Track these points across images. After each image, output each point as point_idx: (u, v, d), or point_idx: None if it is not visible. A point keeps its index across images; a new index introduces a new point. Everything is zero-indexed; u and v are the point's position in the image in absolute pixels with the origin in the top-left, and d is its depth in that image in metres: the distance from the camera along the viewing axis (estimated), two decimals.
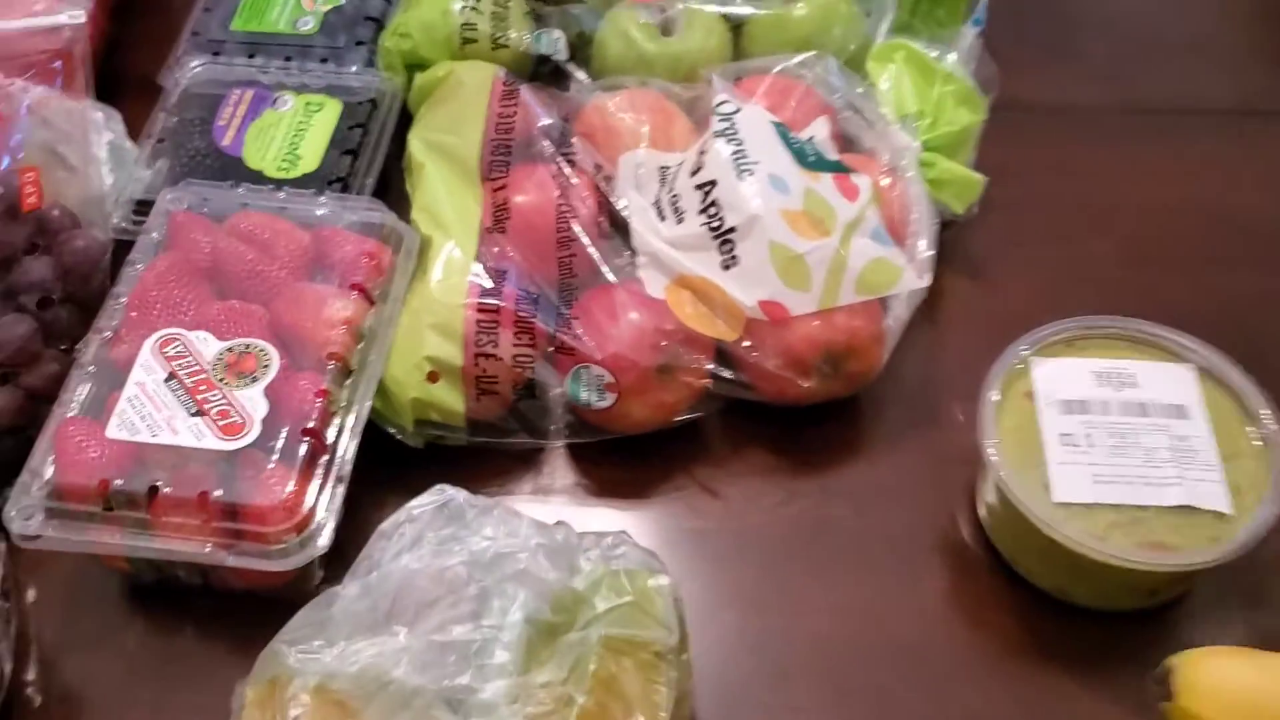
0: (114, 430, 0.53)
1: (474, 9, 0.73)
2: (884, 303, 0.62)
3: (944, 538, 0.62)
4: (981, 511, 0.61)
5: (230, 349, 0.56)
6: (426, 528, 0.52)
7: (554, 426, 0.63)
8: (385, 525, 0.52)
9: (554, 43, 0.74)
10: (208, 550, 0.52)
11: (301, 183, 0.67)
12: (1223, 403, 0.58)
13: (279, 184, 0.67)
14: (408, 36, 0.73)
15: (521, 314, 0.60)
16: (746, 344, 0.61)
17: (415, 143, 0.67)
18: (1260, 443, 0.57)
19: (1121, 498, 0.55)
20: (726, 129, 0.63)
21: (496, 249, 0.63)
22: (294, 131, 0.70)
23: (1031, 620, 0.59)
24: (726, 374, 0.61)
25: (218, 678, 0.55)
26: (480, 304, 0.60)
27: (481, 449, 0.62)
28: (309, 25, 0.77)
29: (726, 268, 0.61)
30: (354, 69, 0.74)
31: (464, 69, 0.70)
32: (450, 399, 0.60)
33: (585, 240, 0.63)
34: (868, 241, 0.61)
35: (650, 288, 0.61)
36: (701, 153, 0.64)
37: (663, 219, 0.64)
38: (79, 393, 0.56)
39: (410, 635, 0.50)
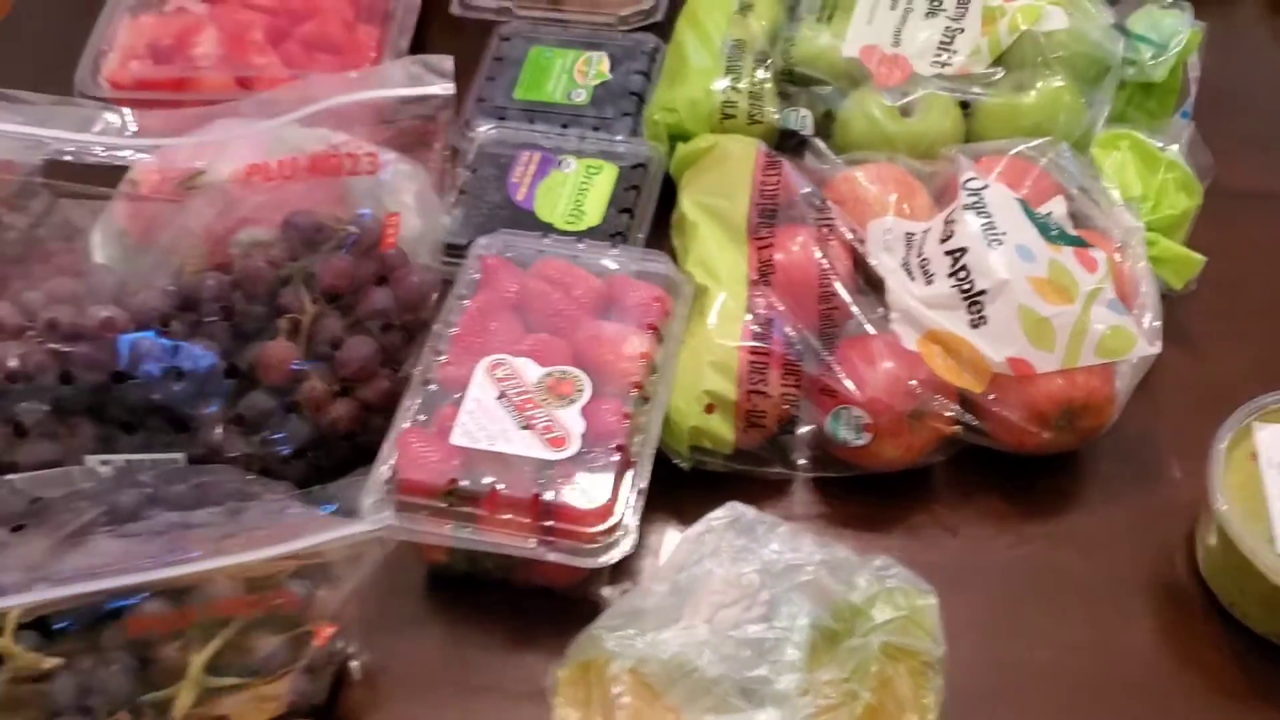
0: (457, 438, 0.62)
1: (734, 89, 0.82)
2: (1114, 366, 0.69)
3: (1163, 583, 0.68)
4: (1200, 557, 0.67)
5: (550, 374, 0.65)
6: (721, 538, 0.60)
7: (802, 460, 0.71)
8: (689, 533, 0.60)
9: (802, 120, 0.83)
10: (532, 545, 0.60)
11: (586, 235, 0.76)
12: None
13: (566, 235, 0.76)
14: (674, 111, 0.83)
15: (789, 358, 0.68)
16: (991, 396, 0.68)
17: (688, 204, 0.76)
18: None
19: None
20: (975, 202, 0.71)
21: (763, 299, 0.71)
22: (578, 190, 0.79)
23: (1247, 663, 0.65)
24: (971, 421, 0.68)
25: (515, 662, 0.64)
26: (753, 347, 0.68)
27: (736, 475, 0.70)
28: (581, 97, 0.87)
29: (975, 326, 0.68)
30: (619, 137, 0.84)
31: (728, 141, 0.79)
32: (723, 429, 0.68)
33: (845, 295, 0.71)
34: (1106, 310, 0.68)
35: (904, 340, 0.69)
36: (950, 222, 0.71)
37: (912, 279, 0.71)
38: (413, 406, 0.65)
39: (710, 631, 0.57)
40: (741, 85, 0.83)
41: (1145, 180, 0.77)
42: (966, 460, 0.71)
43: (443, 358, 0.66)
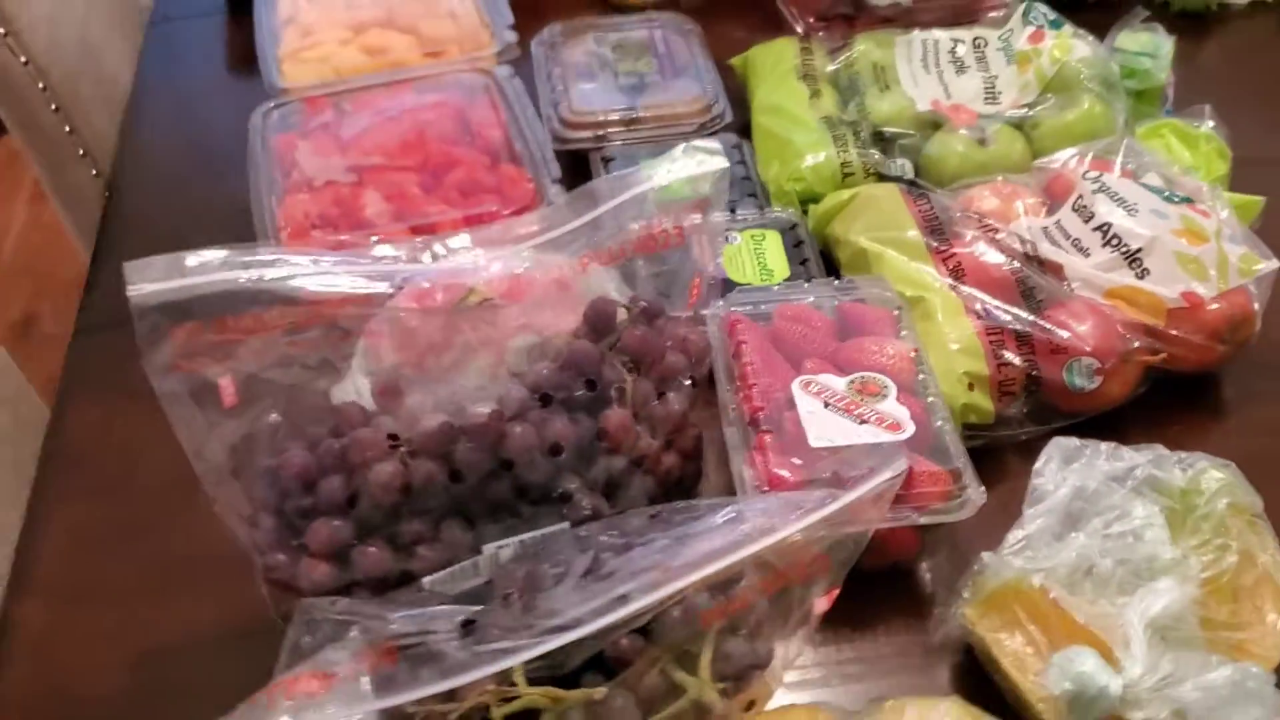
0: (816, 441, 0.71)
1: (845, 152, 0.97)
2: (1250, 284, 0.85)
3: None
4: None
5: (854, 380, 0.75)
6: (1061, 469, 0.72)
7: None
8: (1037, 467, 0.71)
9: (902, 166, 0.98)
10: (908, 514, 0.70)
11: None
12: None
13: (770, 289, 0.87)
14: (801, 179, 0.96)
15: (1017, 329, 0.82)
16: (1174, 331, 0.83)
17: (863, 240, 0.89)
18: None
19: None
20: (1099, 187, 0.87)
21: (966, 291, 0.84)
22: (755, 256, 0.91)
23: None
24: (1162, 351, 0.83)
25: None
26: (987, 327, 0.81)
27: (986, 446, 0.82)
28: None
29: (1140, 277, 0.84)
30: (758, 211, 0.97)
31: (869, 189, 0.93)
32: (985, 401, 0.80)
33: (1036, 276, 0.85)
34: (1230, 244, 0.85)
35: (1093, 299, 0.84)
36: (1080, 209, 0.87)
37: (1074, 256, 0.86)
38: (732, 435, 0.75)
39: (1089, 535, 0.69)
40: (850, 149, 0.98)
41: (1193, 154, 0.96)
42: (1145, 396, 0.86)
43: (741, 395, 0.76)
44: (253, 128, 1.04)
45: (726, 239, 0.93)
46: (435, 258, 0.76)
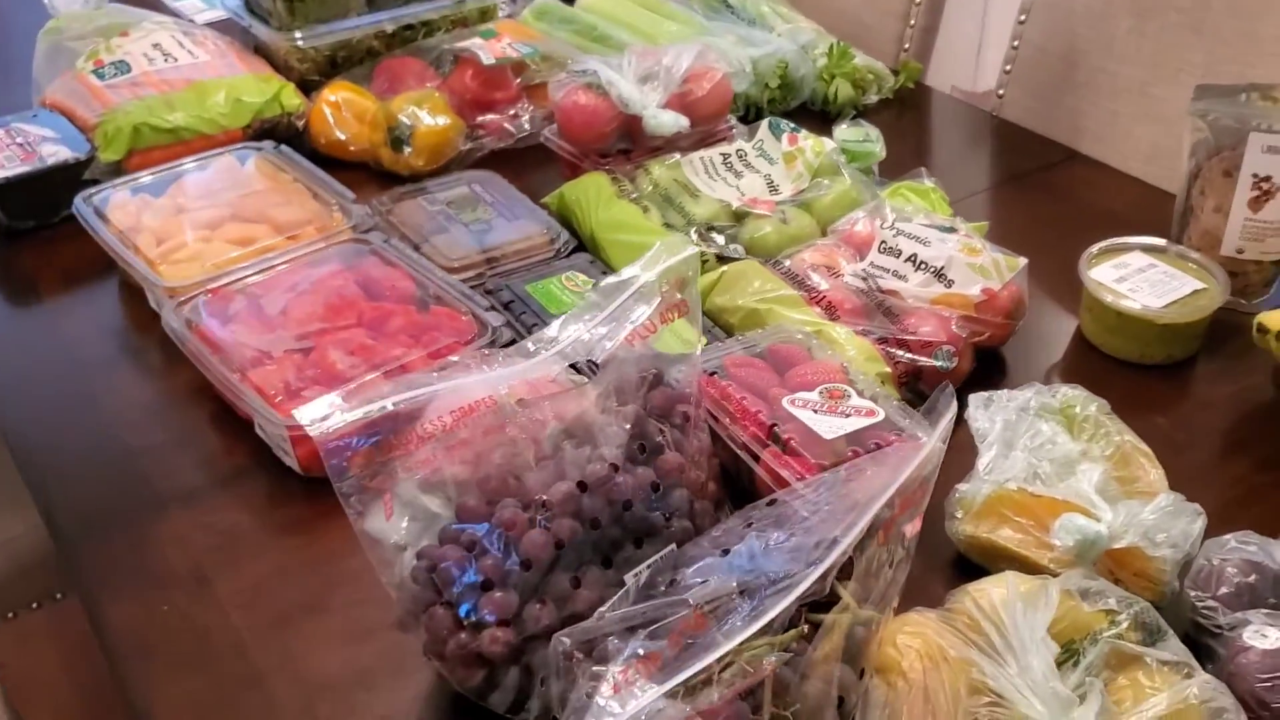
0: (827, 433, 0.93)
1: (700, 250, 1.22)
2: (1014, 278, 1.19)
3: None
4: None
5: (821, 392, 0.98)
6: (984, 411, 0.98)
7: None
8: (967, 415, 0.97)
9: (735, 249, 1.24)
10: None
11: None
12: None
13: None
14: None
15: (894, 338, 1.09)
16: (983, 317, 1.14)
17: (752, 303, 1.13)
18: None
19: None
20: (896, 232, 1.18)
21: (844, 321, 1.11)
22: (673, 333, 1.12)
23: None
24: (982, 331, 1.14)
25: None
26: (876, 340, 1.08)
27: None
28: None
29: (949, 286, 1.14)
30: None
31: (731, 267, 1.18)
32: (893, 391, 1.06)
33: (883, 300, 1.13)
34: (992, 253, 1.18)
35: (926, 308, 1.13)
36: (885, 251, 1.17)
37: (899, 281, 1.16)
38: (763, 443, 0.95)
39: (1023, 452, 0.95)
40: (701, 245, 1.22)
41: (926, 202, 1.30)
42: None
43: (742, 424, 0.97)
44: (169, 328, 1.10)
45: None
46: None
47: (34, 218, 1.37)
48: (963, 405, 0.98)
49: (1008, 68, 1.66)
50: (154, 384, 1.18)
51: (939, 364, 1.09)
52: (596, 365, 0.93)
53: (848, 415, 0.97)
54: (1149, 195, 1.46)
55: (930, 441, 0.80)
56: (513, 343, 1.09)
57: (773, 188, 1.32)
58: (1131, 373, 1.17)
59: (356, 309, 1.11)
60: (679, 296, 0.97)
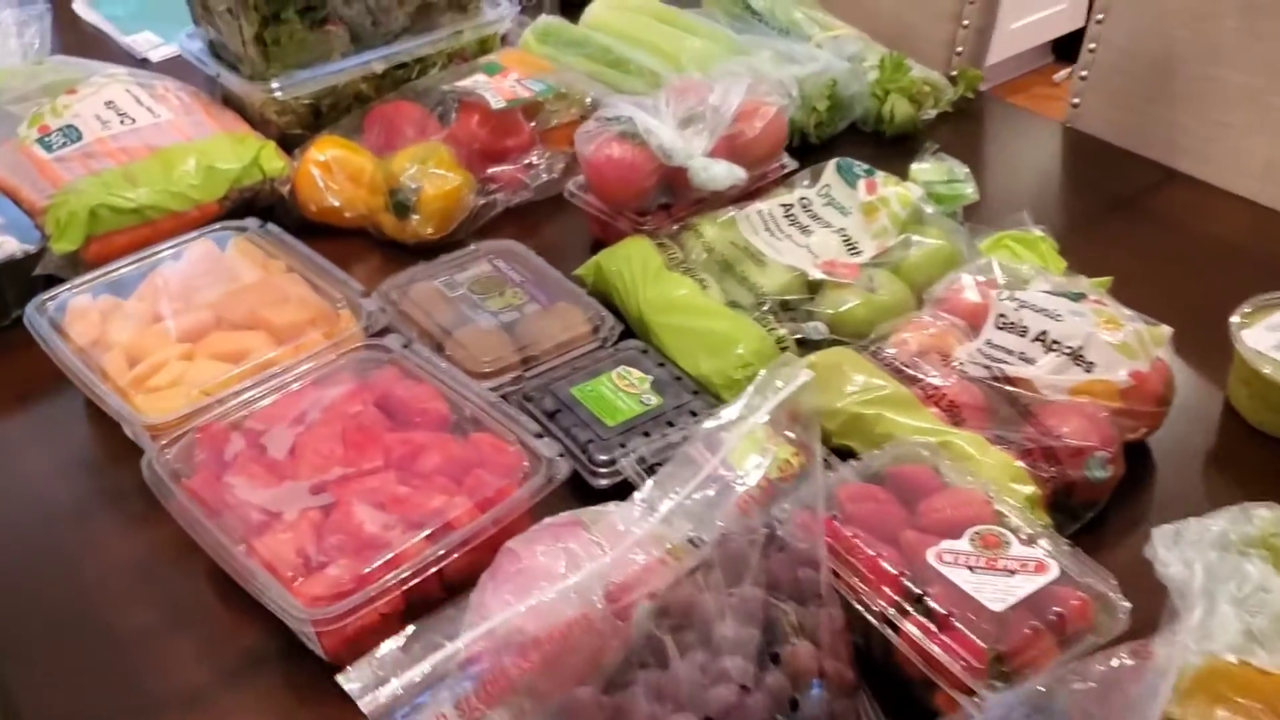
0: (995, 606, 0.75)
1: (774, 329, 1.02)
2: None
3: None
4: None
5: (972, 539, 0.79)
6: (1171, 551, 0.80)
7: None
8: (1156, 559, 0.79)
9: (816, 328, 1.05)
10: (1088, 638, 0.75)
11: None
12: None
13: None
14: (748, 365, 1.00)
15: (1035, 446, 0.90)
16: (1133, 407, 0.95)
17: (854, 406, 0.94)
18: None
19: None
20: (1019, 304, 0.99)
21: (968, 424, 0.92)
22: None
23: None
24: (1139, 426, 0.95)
25: None
26: (1016, 452, 0.89)
27: None
28: (651, 400, 1.00)
29: (1089, 370, 0.95)
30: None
31: (822, 358, 0.98)
32: (1044, 517, 0.87)
33: (1013, 393, 0.94)
34: (1132, 324, 0.99)
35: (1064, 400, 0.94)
36: (1004, 327, 0.98)
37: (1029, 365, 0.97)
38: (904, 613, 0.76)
39: (1230, 605, 0.77)
40: (775, 325, 1.03)
41: (1036, 256, 1.10)
42: None
43: (875, 582, 0.78)
44: (151, 481, 0.90)
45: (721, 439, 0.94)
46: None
47: None
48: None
49: (1083, 73, 1.46)
50: (138, 536, 0.97)
51: (1093, 475, 0.90)
52: (702, 541, 0.73)
53: (1012, 572, 0.78)
54: (1267, 220, 1.27)
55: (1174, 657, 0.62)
56: (575, 475, 0.90)
57: (851, 246, 1.12)
58: None
59: (381, 444, 0.91)
60: (792, 435, 0.78)
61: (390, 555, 0.82)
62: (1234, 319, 1.02)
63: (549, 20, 1.54)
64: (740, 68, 1.40)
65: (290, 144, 1.31)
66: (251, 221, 1.17)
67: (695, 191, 1.18)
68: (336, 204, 1.27)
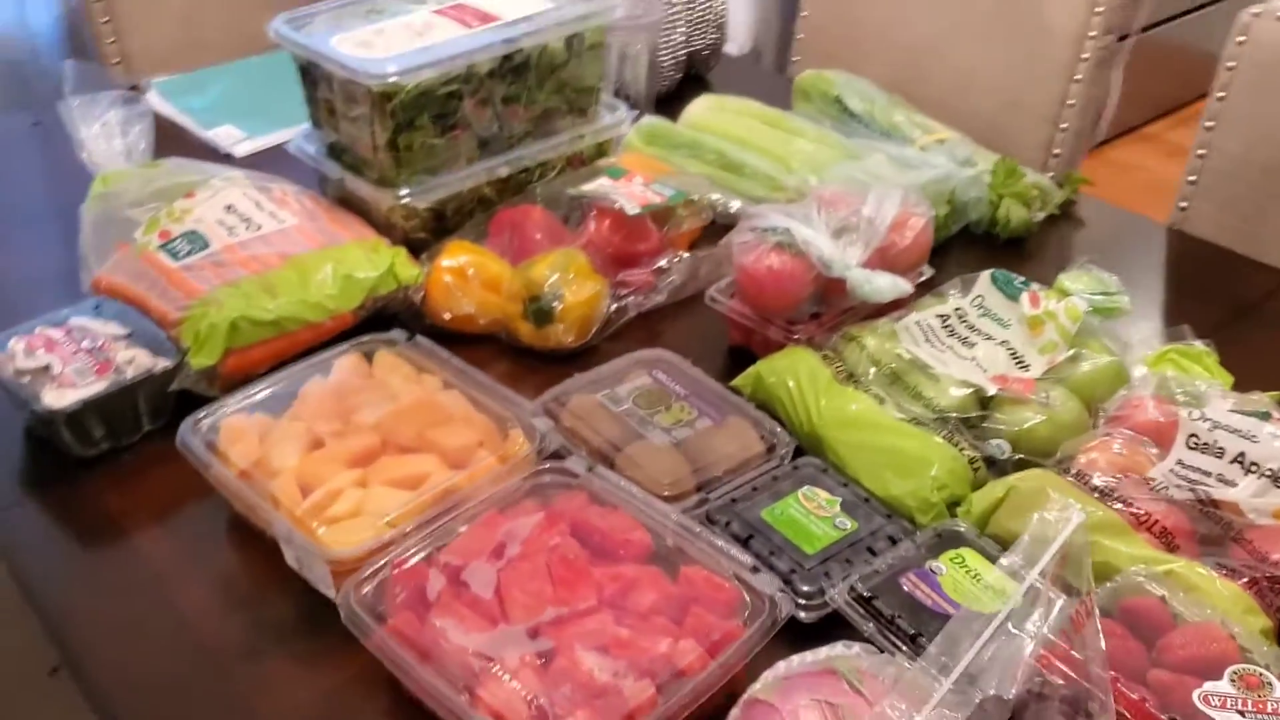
0: None
1: (966, 448, 1.01)
2: None
3: None
4: None
5: (1233, 680, 0.78)
6: None
7: None
8: None
9: (999, 446, 1.03)
10: None
11: None
12: None
13: None
14: (945, 486, 0.98)
15: (1260, 575, 0.89)
16: None
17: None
18: None
19: None
20: (1212, 425, 0.98)
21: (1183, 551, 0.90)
22: (969, 576, 0.91)
23: None
24: None
25: None
26: (1244, 582, 0.87)
27: None
28: (845, 526, 0.97)
29: None
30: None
31: (1022, 479, 0.97)
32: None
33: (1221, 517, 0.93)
34: None
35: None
36: (1204, 444, 0.97)
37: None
38: None
39: None
40: (965, 444, 1.01)
41: (1203, 370, 1.10)
42: None
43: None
44: (350, 620, 0.86)
45: (934, 571, 0.92)
46: None
47: (110, 440, 1.12)
48: None
49: (1192, 178, 1.47)
50: (314, 677, 0.92)
51: None
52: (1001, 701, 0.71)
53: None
54: None
55: None
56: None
57: (1018, 360, 1.11)
58: None
59: (590, 580, 0.87)
60: (1070, 582, 0.76)
61: (628, 709, 0.78)
62: None
63: (654, 122, 1.53)
64: (858, 172, 1.40)
65: (415, 249, 1.28)
66: (398, 333, 1.14)
67: (845, 301, 1.17)
68: (470, 311, 1.24)
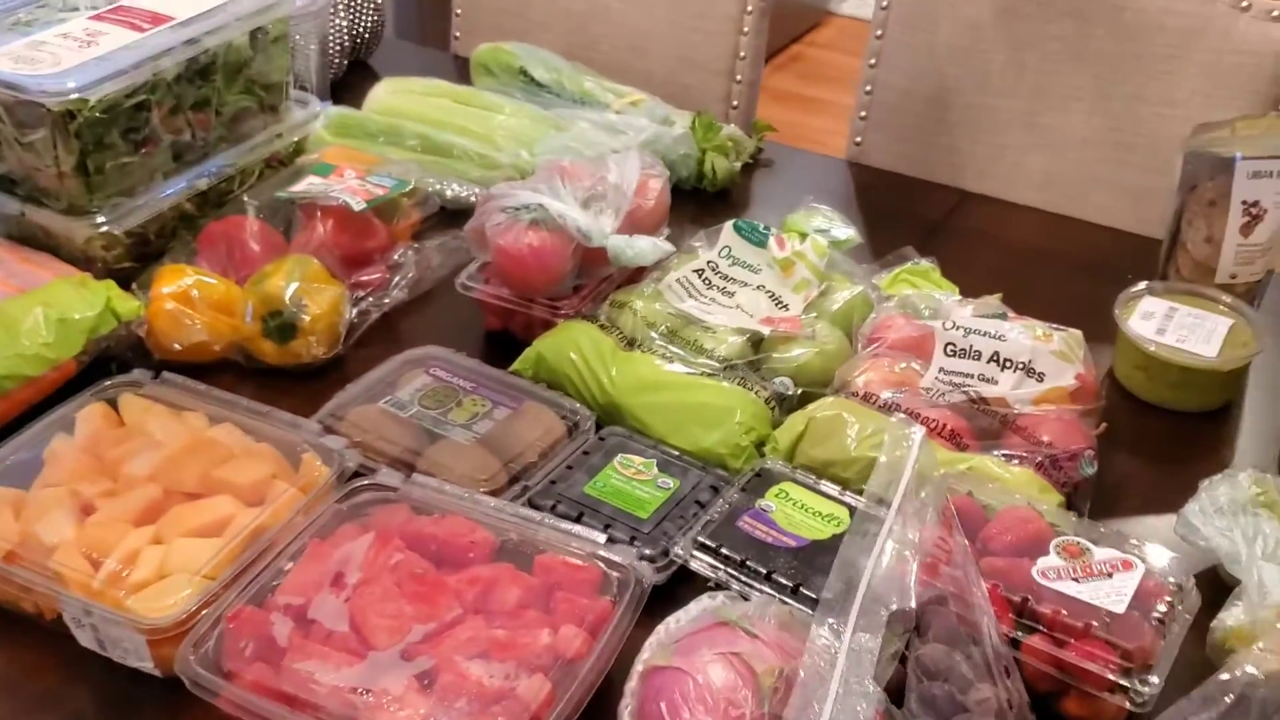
0: (1116, 606, 0.81)
1: (760, 390, 1.04)
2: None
3: None
4: None
5: (1059, 552, 0.86)
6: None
7: None
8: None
9: (784, 383, 1.08)
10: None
11: None
12: None
13: None
14: (752, 429, 1.02)
15: (1042, 457, 0.98)
16: (1082, 406, 1.06)
17: (871, 453, 0.97)
18: None
19: None
20: (966, 331, 1.07)
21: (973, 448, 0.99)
22: (800, 508, 0.95)
23: None
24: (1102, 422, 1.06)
25: None
26: (1033, 466, 0.97)
27: None
28: (669, 485, 0.98)
29: (1041, 380, 1.05)
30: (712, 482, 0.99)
31: (815, 411, 1.02)
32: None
33: (994, 412, 1.02)
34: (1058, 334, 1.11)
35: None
36: (961, 350, 1.06)
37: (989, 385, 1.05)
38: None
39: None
40: (758, 388, 1.05)
41: (931, 285, 1.20)
42: None
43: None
44: (196, 684, 0.78)
45: (762, 509, 0.95)
46: None
47: None
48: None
49: (863, 114, 1.59)
50: None
51: (1086, 473, 1.00)
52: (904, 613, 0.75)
53: (1110, 574, 0.85)
54: (1054, 223, 1.46)
55: None
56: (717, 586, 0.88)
57: (778, 302, 1.16)
58: (1185, 420, 1.15)
59: (447, 590, 0.83)
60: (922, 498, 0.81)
61: (532, 708, 0.76)
62: (1117, 311, 1.17)
63: (341, 112, 1.46)
64: (570, 141, 1.41)
65: (122, 280, 1.15)
66: (140, 373, 1.03)
67: (603, 270, 1.18)
68: (203, 338, 1.13)
